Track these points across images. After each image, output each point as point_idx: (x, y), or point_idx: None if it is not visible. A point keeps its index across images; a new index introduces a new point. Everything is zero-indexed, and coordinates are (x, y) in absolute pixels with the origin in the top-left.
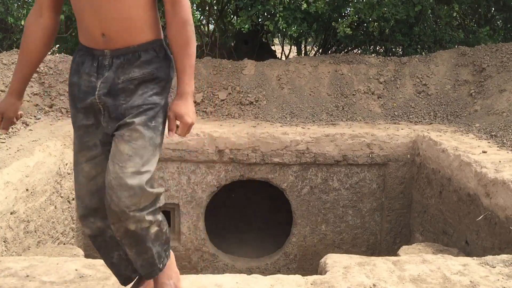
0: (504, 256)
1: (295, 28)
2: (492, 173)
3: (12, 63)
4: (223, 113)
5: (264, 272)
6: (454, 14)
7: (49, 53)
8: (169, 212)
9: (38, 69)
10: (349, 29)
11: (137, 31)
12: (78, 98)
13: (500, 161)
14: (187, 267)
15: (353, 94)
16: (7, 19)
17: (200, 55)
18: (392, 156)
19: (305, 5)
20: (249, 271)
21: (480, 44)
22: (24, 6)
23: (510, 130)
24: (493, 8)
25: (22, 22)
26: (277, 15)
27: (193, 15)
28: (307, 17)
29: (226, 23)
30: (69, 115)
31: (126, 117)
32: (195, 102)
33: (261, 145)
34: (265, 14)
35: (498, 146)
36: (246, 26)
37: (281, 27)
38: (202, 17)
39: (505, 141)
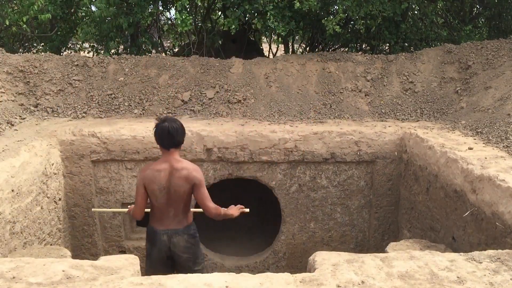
0: (490, 252)
1: (283, 26)
2: (478, 170)
3: None
4: (211, 112)
5: (253, 270)
6: (440, 12)
7: (34, 51)
8: None
9: (22, 68)
10: (338, 26)
11: None
12: None
13: (486, 158)
14: None
15: (341, 92)
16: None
17: (187, 53)
18: (380, 154)
19: (298, 4)
20: (238, 270)
21: (464, 42)
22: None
23: (495, 127)
24: (477, 6)
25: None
26: (268, 13)
27: (181, 16)
28: (295, 15)
29: (213, 21)
30: (55, 115)
31: None
32: (182, 100)
33: (250, 144)
34: (253, 12)
35: (483, 143)
36: (233, 26)
37: (272, 26)
38: (188, 15)
39: (490, 137)
